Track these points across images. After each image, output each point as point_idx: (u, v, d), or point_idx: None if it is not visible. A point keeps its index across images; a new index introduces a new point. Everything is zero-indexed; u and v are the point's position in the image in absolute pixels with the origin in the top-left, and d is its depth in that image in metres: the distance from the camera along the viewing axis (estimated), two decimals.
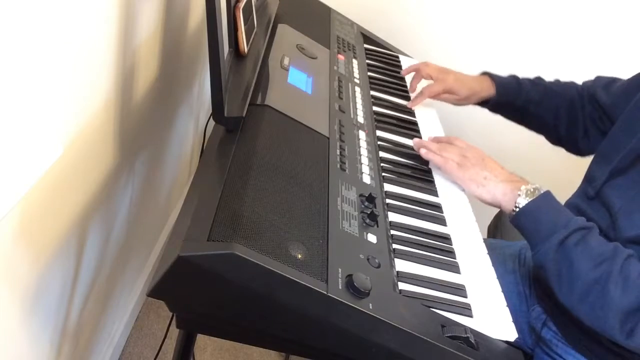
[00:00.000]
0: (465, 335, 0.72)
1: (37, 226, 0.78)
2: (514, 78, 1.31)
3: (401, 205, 0.94)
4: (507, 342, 0.78)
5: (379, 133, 1.12)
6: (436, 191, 1.03)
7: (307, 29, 1.29)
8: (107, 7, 0.82)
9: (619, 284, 0.82)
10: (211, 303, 0.67)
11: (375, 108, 1.21)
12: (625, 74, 1.18)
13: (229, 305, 0.67)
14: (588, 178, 1.09)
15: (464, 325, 0.75)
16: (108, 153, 0.98)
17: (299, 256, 0.67)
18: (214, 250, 0.62)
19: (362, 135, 1.05)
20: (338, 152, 0.93)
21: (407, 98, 1.33)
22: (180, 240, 0.63)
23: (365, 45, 1.50)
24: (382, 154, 1.05)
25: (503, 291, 0.87)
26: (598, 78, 1.26)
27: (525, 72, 1.36)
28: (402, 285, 0.79)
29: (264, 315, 0.68)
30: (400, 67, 1.48)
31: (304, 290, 0.65)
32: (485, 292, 0.85)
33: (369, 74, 1.34)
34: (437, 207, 0.98)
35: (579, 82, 1.30)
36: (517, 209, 0.92)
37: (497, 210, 1.43)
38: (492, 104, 1.31)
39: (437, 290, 0.81)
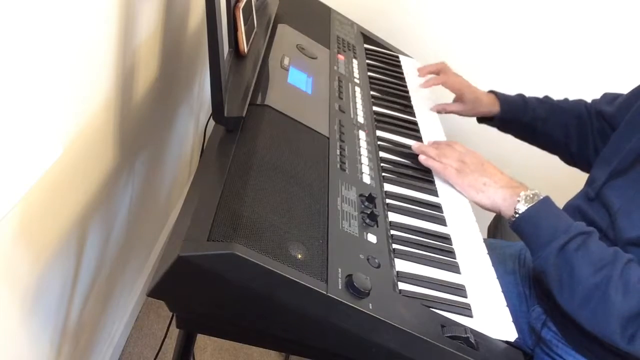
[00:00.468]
0: (465, 335, 0.72)
1: (37, 226, 0.78)
2: (519, 96, 1.33)
3: (401, 205, 0.94)
4: (507, 342, 0.78)
5: (379, 133, 1.12)
6: (436, 191, 1.03)
7: (307, 29, 1.29)
8: (107, 7, 0.82)
9: (619, 289, 0.82)
10: (211, 303, 0.67)
11: (375, 108, 1.21)
12: (629, 86, 1.18)
13: (229, 305, 0.67)
14: (589, 181, 1.09)
15: (464, 325, 0.75)
16: (108, 153, 0.98)
17: (299, 256, 0.67)
18: (214, 250, 0.62)
19: (362, 135, 1.05)
20: (338, 152, 0.93)
21: (407, 98, 1.34)
22: (180, 240, 0.63)
23: (365, 45, 1.50)
24: (382, 154, 1.05)
25: (503, 291, 0.87)
26: (605, 95, 1.27)
27: (526, 70, 1.36)
28: (402, 285, 0.79)
29: (264, 315, 0.68)
30: (400, 67, 1.48)
31: (304, 290, 0.65)
32: (485, 292, 0.85)
33: (369, 74, 1.34)
34: (437, 207, 0.98)
35: (581, 89, 1.31)
36: (517, 215, 0.92)
37: None
38: (498, 121, 1.33)
39: (437, 290, 0.81)
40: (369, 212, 0.84)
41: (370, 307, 0.68)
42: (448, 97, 1.39)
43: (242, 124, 0.85)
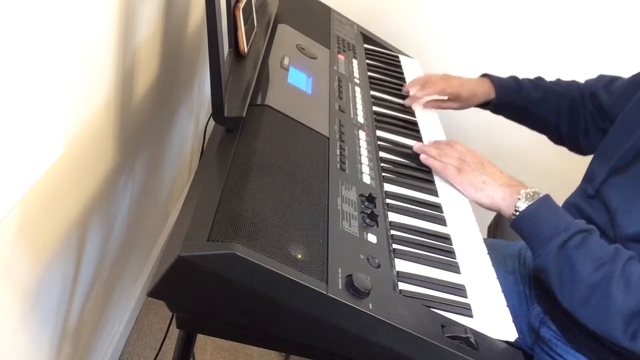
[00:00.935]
0: (465, 335, 0.72)
1: (37, 226, 0.78)
2: (513, 79, 1.32)
3: (401, 205, 0.94)
4: (507, 342, 0.78)
5: (379, 133, 1.12)
6: (436, 191, 1.03)
7: (307, 29, 1.29)
8: (107, 7, 0.82)
9: (621, 286, 0.82)
10: (211, 303, 0.67)
11: (375, 108, 1.21)
12: (627, 72, 1.18)
13: (229, 305, 0.67)
14: (587, 177, 1.09)
15: (464, 325, 0.75)
16: (108, 153, 0.98)
17: (299, 256, 0.67)
18: (214, 250, 0.62)
19: (362, 135, 1.05)
20: (338, 152, 0.93)
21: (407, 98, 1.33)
22: (180, 240, 0.63)
23: (365, 45, 1.50)
24: (382, 154, 1.05)
25: (503, 291, 0.86)
26: (600, 77, 1.26)
27: (526, 71, 1.36)
28: (402, 285, 0.79)
29: (264, 315, 0.68)
30: (400, 67, 1.48)
31: (304, 290, 0.65)
32: (485, 292, 0.85)
33: (369, 74, 1.34)
34: (437, 207, 0.98)
35: (581, 80, 1.30)
36: (517, 214, 0.92)
37: None
38: (493, 106, 1.33)
39: (437, 290, 0.81)
40: (369, 212, 0.84)
41: (370, 307, 0.68)
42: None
43: (242, 124, 0.85)
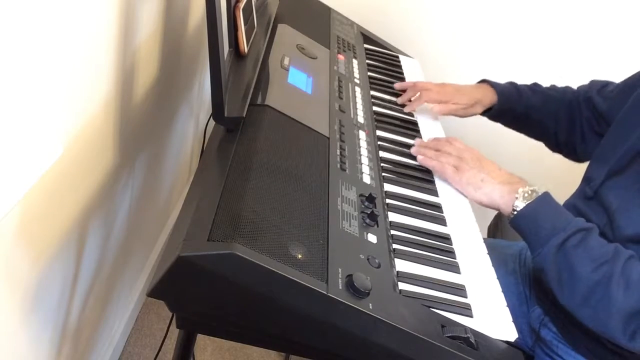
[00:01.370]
0: (465, 335, 0.72)
1: (37, 226, 0.78)
2: (512, 85, 1.31)
3: (401, 205, 0.94)
4: (507, 342, 0.78)
5: (379, 133, 1.12)
6: (436, 191, 1.03)
7: (307, 29, 1.29)
8: (107, 7, 0.82)
9: (620, 286, 0.82)
10: (211, 303, 0.67)
11: (375, 108, 1.21)
12: (621, 76, 1.18)
13: (229, 305, 0.67)
14: (586, 178, 1.09)
15: (464, 325, 0.75)
16: (108, 153, 0.98)
17: (299, 256, 0.67)
18: (214, 250, 0.62)
19: (362, 135, 1.05)
20: (338, 152, 0.93)
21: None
22: (180, 240, 0.63)
23: (365, 45, 1.50)
24: (382, 154, 1.05)
25: (503, 291, 0.86)
26: (593, 82, 1.26)
27: (526, 71, 1.36)
28: (402, 285, 0.79)
29: (264, 315, 0.68)
30: (400, 67, 1.48)
31: (304, 290, 0.65)
32: (485, 292, 0.85)
33: (369, 74, 1.34)
34: (437, 207, 0.98)
35: (576, 85, 1.29)
36: (515, 212, 0.92)
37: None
38: (494, 112, 1.30)
39: (437, 290, 0.81)
40: (369, 212, 0.84)
41: (371, 307, 0.67)
42: None
43: (242, 124, 0.85)
